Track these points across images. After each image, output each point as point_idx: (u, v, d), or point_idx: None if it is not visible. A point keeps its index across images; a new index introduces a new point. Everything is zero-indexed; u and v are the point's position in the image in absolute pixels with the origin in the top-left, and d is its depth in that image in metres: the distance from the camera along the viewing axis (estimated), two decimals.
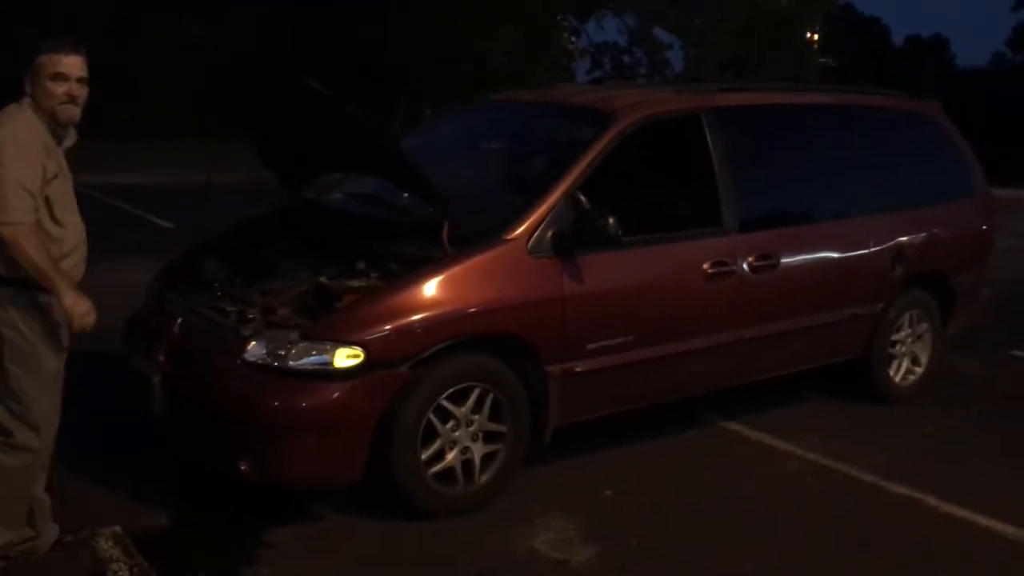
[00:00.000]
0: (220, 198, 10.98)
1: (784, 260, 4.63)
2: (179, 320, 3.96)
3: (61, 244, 3.19)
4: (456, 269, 3.77)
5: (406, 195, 4.43)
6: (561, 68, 20.89)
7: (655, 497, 4.12)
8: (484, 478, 3.88)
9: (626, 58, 20.93)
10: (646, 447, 4.61)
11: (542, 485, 4.13)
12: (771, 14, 20.89)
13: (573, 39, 21.32)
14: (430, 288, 3.70)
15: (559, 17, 20.37)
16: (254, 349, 3.61)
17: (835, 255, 4.92)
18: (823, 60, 22.44)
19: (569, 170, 4.07)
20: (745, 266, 4.48)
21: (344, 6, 20.80)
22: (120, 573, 3.30)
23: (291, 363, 3.54)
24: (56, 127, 3.19)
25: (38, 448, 3.22)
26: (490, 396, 3.84)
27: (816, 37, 23.68)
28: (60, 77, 3.13)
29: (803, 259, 4.76)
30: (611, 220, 3.87)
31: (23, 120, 3.12)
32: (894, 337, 5.27)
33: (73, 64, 3.17)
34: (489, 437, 3.88)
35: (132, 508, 3.77)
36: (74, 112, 3.21)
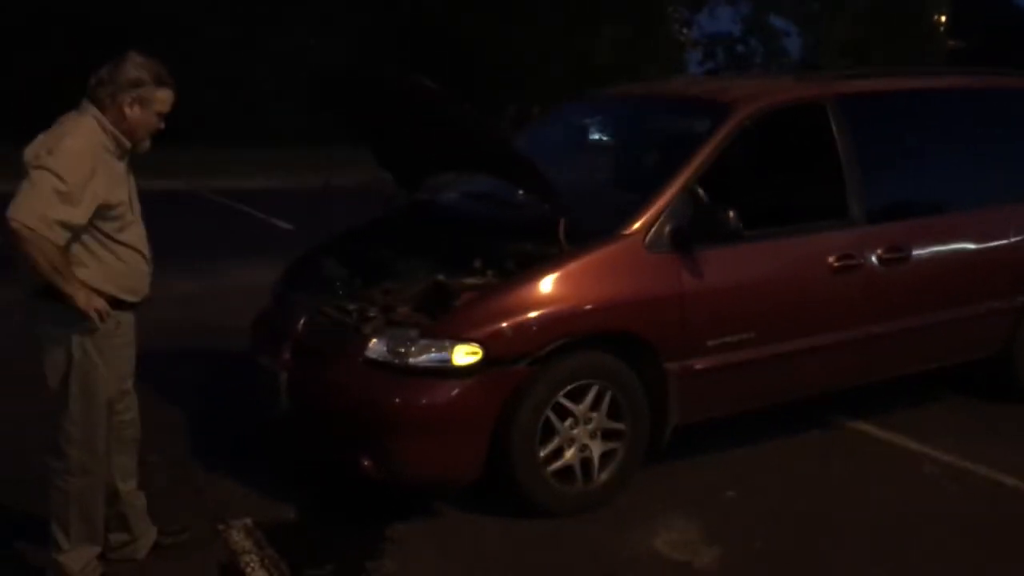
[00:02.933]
0: (338, 200, 11.33)
1: (916, 252, 4.42)
2: (303, 319, 4.06)
3: (125, 264, 3.08)
4: (573, 266, 3.74)
5: (521, 193, 4.43)
6: (671, 60, 20.59)
7: (780, 499, 4.00)
8: (603, 476, 3.84)
9: (740, 48, 20.47)
10: (769, 447, 4.48)
11: (662, 485, 4.06)
12: None
13: (684, 30, 21.00)
14: (547, 285, 3.68)
15: (669, 8, 20.11)
16: (375, 347, 3.67)
17: (971, 246, 4.67)
18: (952, 43, 21.41)
19: (687, 163, 3.98)
20: (874, 259, 4.30)
21: (447, 9, 21.07)
22: (251, 564, 3.40)
23: (411, 360, 3.58)
24: (125, 143, 3.06)
25: (96, 470, 3.16)
26: (608, 394, 3.80)
27: (943, 19, 22.63)
28: (163, 115, 3.10)
29: (936, 251, 4.54)
30: (731, 214, 3.77)
31: (89, 134, 2.98)
32: None
33: (172, 101, 3.13)
34: (608, 435, 3.84)
35: (262, 502, 3.88)
36: (149, 144, 3.16)
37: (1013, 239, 4.76)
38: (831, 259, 4.21)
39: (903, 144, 4.63)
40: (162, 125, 3.12)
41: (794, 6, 19.24)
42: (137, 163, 3.21)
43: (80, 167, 2.89)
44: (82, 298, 2.92)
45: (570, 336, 3.67)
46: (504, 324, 3.59)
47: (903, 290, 4.41)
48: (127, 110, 3.01)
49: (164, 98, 3.07)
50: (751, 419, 4.38)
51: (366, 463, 3.61)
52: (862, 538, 3.67)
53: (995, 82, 5.18)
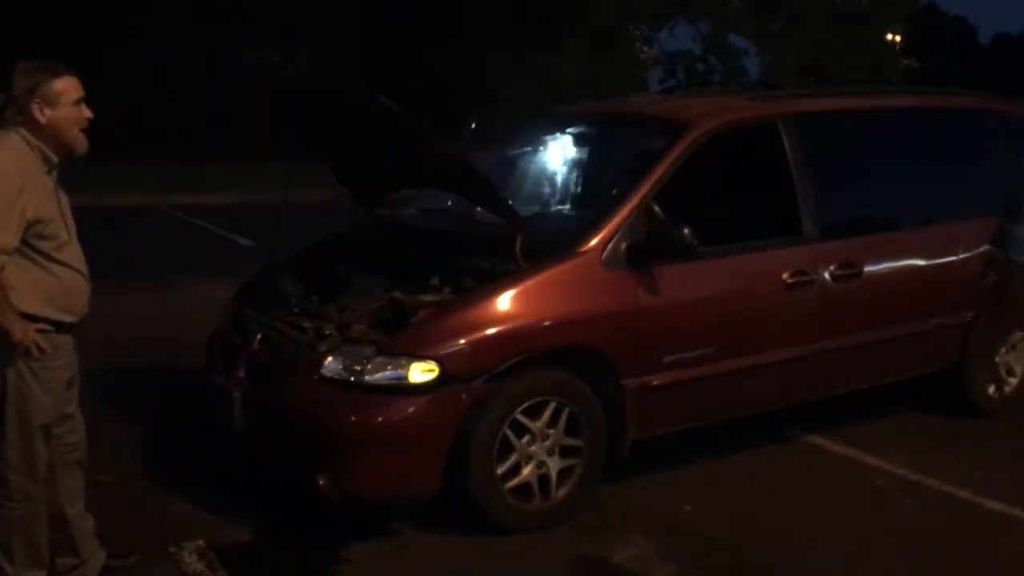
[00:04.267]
0: (297, 216, 11.18)
1: (867, 268, 4.48)
2: (258, 336, 4.02)
3: (62, 283, 2.98)
4: (530, 282, 3.75)
5: (479, 209, 4.43)
6: (633, 78, 20.79)
7: (737, 514, 4.02)
8: (561, 493, 3.84)
9: (700, 66, 20.72)
10: (726, 462, 4.51)
11: (620, 500, 4.07)
12: (850, 17, 20.45)
13: (645, 48, 21.22)
14: (504, 302, 3.68)
15: (630, 26, 20.31)
16: (331, 364, 3.64)
17: (921, 262, 4.74)
18: (906, 62, 21.85)
19: (643, 181, 4.01)
20: (827, 275, 4.35)
21: (409, 23, 21.08)
22: None
23: (367, 378, 3.56)
24: (52, 158, 2.96)
25: (37, 495, 3.08)
26: (566, 410, 3.81)
27: (898, 39, 23.06)
28: (82, 100, 2.97)
29: (887, 267, 4.60)
30: (686, 230, 3.80)
31: (13, 151, 2.88)
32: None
33: (79, 85, 2.97)
34: (565, 452, 3.85)
35: (215, 523, 3.83)
36: (85, 141, 3.02)
37: (962, 255, 4.85)
38: (785, 275, 4.26)
39: (855, 162, 4.70)
40: (88, 113, 3.00)
41: (753, 26, 19.53)
42: (93, 179, 3.16)
43: (7, 186, 2.81)
44: (18, 332, 2.85)
45: (527, 353, 3.68)
46: (461, 341, 3.58)
47: (855, 305, 4.47)
48: (39, 117, 2.91)
49: (66, 87, 2.94)
50: (707, 433, 4.40)
51: (322, 482, 3.57)
52: (819, 552, 3.70)
53: (945, 101, 5.28)
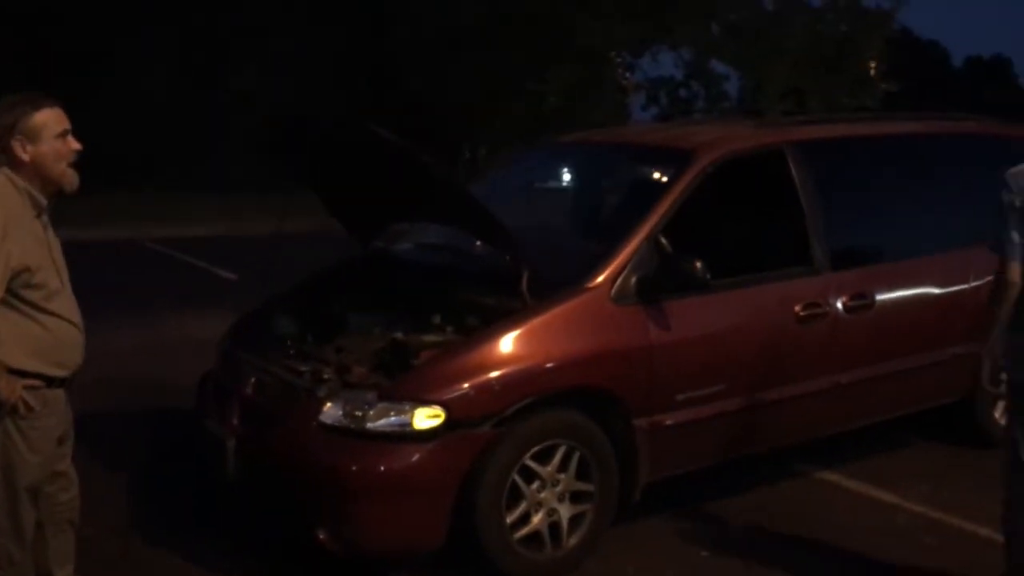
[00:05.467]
0: (283, 248, 11.05)
1: (880, 298, 4.36)
2: (252, 380, 3.85)
3: (53, 335, 2.79)
4: (537, 321, 3.60)
5: (479, 243, 4.28)
6: (615, 105, 20.77)
7: (754, 558, 3.85)
8: (572, 541, 3.66)
9: (682, 92, 20.75)
10: (739, 501, 4.34)
11: (633, 545, 3.90)
12: (829, 42, 20.56)
13: (628, 75, 21.24)
14: (511, 342, 3.52)
15: (613, 53, 20.32)
16: (330, 411, 3.47)
17: (933, 291, 4.62)
18: (885, 86, 21.96)
19: (651, 212, 3.88)
20: (839, 306, 4.22)
21: (393, 49, 21.02)
22: None
23: (369, 425, 3.39)
24: (40, 200, 2.78)
25: (23, 560, 2.91)
26: (576, 454, 3.64)
27: (873, 65, 23.22)
28: (67, 133, 2.78)
29: (900, 296, 4.48)
30: (698, 264, 3.66)
31: (1, 192, 2.70)
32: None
33: (63, 116, 2.79)
34: (576, 497, 3.67)
35: None
36: (75, 176, 2.83)
37: (973, 283, 4.72)
38: (797, 308, 4.12)
39: (864, 190, 4.59)
40: (75, 145, 2.80)
41: (734, 51, 19.57)
42: (73, 212, 2.96)
43: None
44: (3, 389, 2.66)
45: (536, 395, 3.51)
46: (467, 384, 3.41)
47: (869, 337, 4.34)
48: (22, 154, 2.72)
49: (48, 119, 2.75)
50: (718, 470, 4.24)
51: (321, 534, 3.39)
52: None
53: (951, 127, 5.20)
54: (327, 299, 4.39)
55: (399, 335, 3.74)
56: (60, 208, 2.94)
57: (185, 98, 20.37)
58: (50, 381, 2.80)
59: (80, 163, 2.88)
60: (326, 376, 3.63)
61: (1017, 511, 3.30)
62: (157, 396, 5.74)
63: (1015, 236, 3.16)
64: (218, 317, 6.33)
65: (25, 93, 2.80)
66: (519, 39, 19.99)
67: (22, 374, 2.72)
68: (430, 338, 3.74)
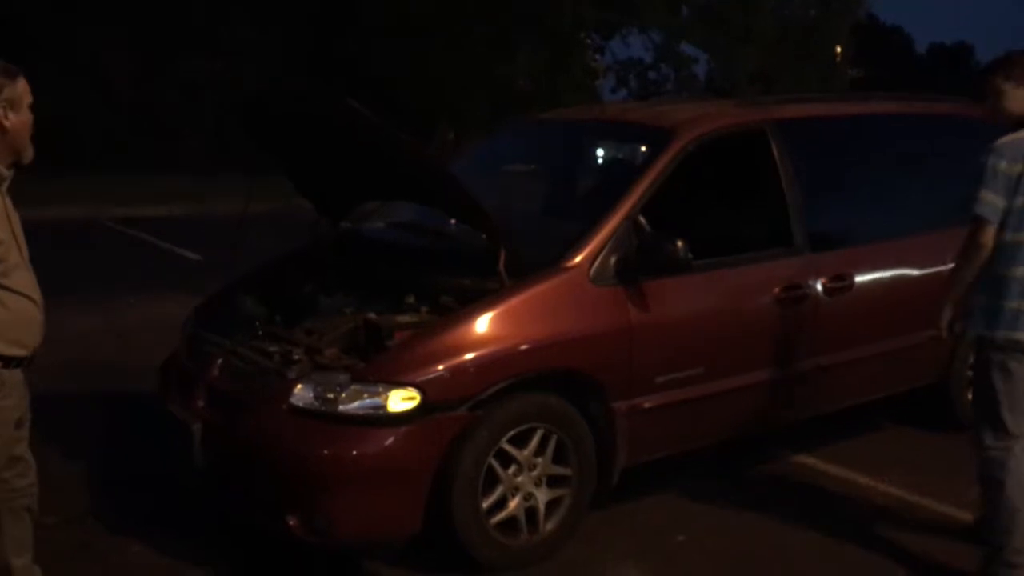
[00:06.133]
0: (249, 228, 10.73)
1: (860, 280, 4.31)
2: (218, 362, 3.71)
3: (11, 312, 2.66)
4: (515, 301, 3.50)
5: (453, 222, 4.17)
6: (585, 87, 20.68)
7: (733, 542, 3.80)
8: (549, 526, 3.58)
9: (652, 74, 20.74)
10: (716, 486, 4.29)
11: (610, 530, 3.83)
12: (798, 27, 20.62)
13: (597, 57, 21.16)
14: (488, 323, 3.42)
15: (582, 35, 20.21)
16: (301, 393, 3.35)
17: (912, 273, 4.58)
18: (852, 71, 22.13)
19: (630, 191, 3.79)
20: (819, 288, 4.17)
21: (361, 33, 20.71)
22: None
23: (341, 408, 3.27)
24: (3, 172, 2.68)
25: None
26: (554, 437, 3.55)
27: (839, 50, 23.35)
28: (31, 106, 2.71)
29: (879, 278, 4.44)
30: (679, 244, 3.58)
31: None
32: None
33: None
34: (553, 481, 3.59)
35: (172, 568, 3.51)
36: (32, 149, 2.74)
37: (951, 265, 4.69)
38: (777, 289, 4.07)
39: (843, 170, 4.54)
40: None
41: (704, 34, 19.55)
42: (32, 191, 2.82)
43: None
44: None
45: (514, 377, 3.42)
46: (443, 366, 3.31)
47: (849, 319, 4.29)
48: (6, 123, 2.63)
49: (26, 89, 2.69)
50: (694, 454, 4.18)
51: (292, 522, 3.28)
52: None
53: (932, 108, 5.16)
54: (296, 280, 4.25)
55: (372, 315, 3.62)
56: (16, 187, 2.80)
57: (146, 79, 19.96)
58: (7, 361, 2.66)
59: (32, 140, 2.78)
60: (296, 357, 3.51)
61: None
62: (118, 379, 5.57)
63: (998, 201, 3.18)
64: (182, 298, 6.15)
65: None
66: (486, 22, 19.81)
67: None
68: (404, 318, 3.63)
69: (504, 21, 19.64)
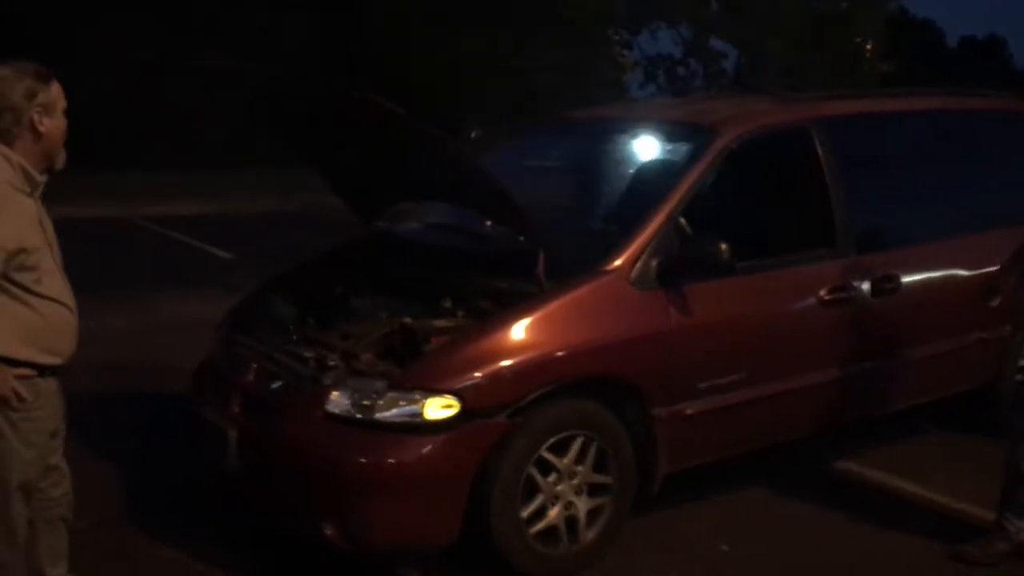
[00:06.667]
0: (279, 226, 10.75)
1: (907, 282, 4.19)
2: (253, 366, 3.66)
3: (45, 320, 2.62)
4: (554, 305, 3.42)
5: (489, 223, 4.09)
6: (612, 82, 20.52)
7: (777, 551, 3.71)
8: (590, 535, 3.50)
9: (681, 70, 20.52)
10: (757, 492, 4.19)
11: (652, 539, 3.75)
12: (828, 20, 20.33)
13: (625, 52, 20.96)
14: (527, 328, 3.34)
15: (610, 30, 20.04)
16: (337, 399, 3.28)
17: (960, 274, 4.45)
18: (884, 65, 21.78)
19: (672, 191, 3.70)
20: (865, 290, 4.06)
21: (380, 26, 20.64)
22: None
23: (377, 415, 3.21)
24: (36, 177, 2.65)
25: (14, 562, 2.74)
26: (594, 445, 3.47)
27: (869, 46, 23.04)
28: (66, 111, 2.69)
29: (927, 280, 4.31)
30: (723, 246, 3.48)
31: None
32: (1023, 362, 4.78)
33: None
34: (594, 490, 3.51)
35: (206, 573, 3.47)
36: (64, 154, 2.72)
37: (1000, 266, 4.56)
38: (822, 291, 3.96)
39: (890, 168, 4.41)
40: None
41: (732, 29, 19.33)
42: (62, 190, 2.77)
43: None
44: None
45: (554, 383, 3.34)
46: (481, 372, 3.24)
47: (896, 322, 4.18)
48: (40, 127, 2.59)
49: (59, 93, 2.66)
50: (735, 461, 4.08)
51: (328, 530, 3.22)
52: None
53: (978, 104, 5.02)
54: (329, 281, 4.19)
55: (408, 320, 3.56)
56: (46, 186, 2.76)
57: (165, 74, 20.01)
58: (42, 370, 2.61)
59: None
60: (332, 363, 3.44)
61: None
62: (151, 379, 5.55)
63: None
64: (214, 297, 6.14)
65: (23, 62, 2.63)
66: (507, 15, 19.67)
67: (13, 363, 2.53)
68: (441, 323, 3.56)
69: (527, 15, 19.51)
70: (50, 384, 2.67)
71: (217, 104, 19.68)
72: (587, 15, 19.32)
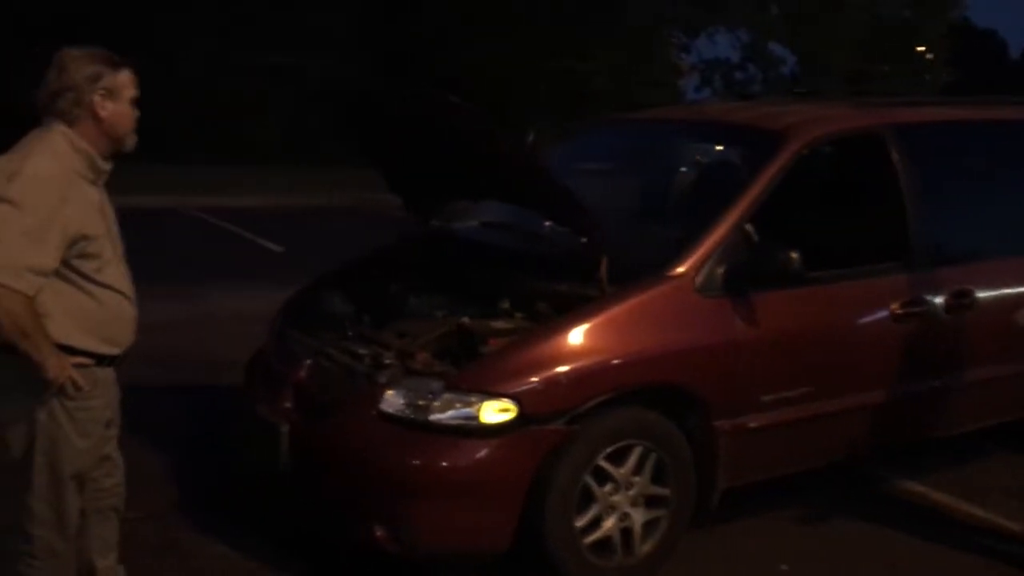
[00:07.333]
0: (328, 222, 10.72)
1: (981, 297, 4.02)
2: (307, 363, 3.61)
3: (105, 309, 2.60)
4: (616, 310, 3.32)
5: (547, 224, 4.01)
6: (667, 85, 20.32)
7: (838, 573, 3.57)
8: (645, 548, 3.40)
9: (738, 75, 20.26)
10: (816, 511, 4.03)
11: (709, 554, 3.63)
12: (893, 28, 19.94)
13: (682, 55, 20.77)
14: (589, 332, 3.25)
15: (666, 33, 19.85)
16: (391, 399, 3.22)
17: None
18: (946, 75, 21.32)
19: (740, 197, 3.58)
20: (939, 305, 3.90)
21: (435, 28, 20.65)
22: None
23: (432, 417, 3.14)
24: (100, 165, 2.62)
25: (65, 552, 2.70)
26: (652, 456, 3.36)
27: (930, 56, 22.60)
28: (136, 101, 2.65)
29: (1003, 296, 4.14)
30: (794, 255, 3.36)
31: (55, 154, 2.49)
32: None
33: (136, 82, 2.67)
34: (651, 502, 3.40)
35: (256, 571, 3.42)
36: (135, 138, 2.69)
37: None
38: (894, 306, 3.81)
39: (968, 179, 4.25)
40: (137, 112, 2.66)
41: (792, 34, 19.03)
42: (114, 180, 2.74)
43: (48, 195, 2.41)
44: (53, 367, 2.44)
45: (614, 391, 3.24)
46: (541, 377, 3.15)
47: (968, 340, 4.01)
48: (100, 110, 2.55)
49: (128, 80, 2.62)
50: (797, 477, 3.94)
51: (379, 532, 3.15)
52: None
53: None
54: (384, 279, 4.13)
55: (466, 320, 3.48)
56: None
57: (224, 71, 20.21)
58: (100, 359, 2.58)
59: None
60: (387, 361, 3.38)
61: None
62: (202, 371, 5.55)
63: None
64: (266, 290, 6.11)
65: (98, 48, 2.62)
66: (562, 16, 19.55)
67: (71, 351, 2.50)
68: (499, 324, 3.48)
69: (581, 16, 19.38)
70: (107, 374, 2.64)
71: (271, 100, 19.88)
72: (644, 17, 19.16)
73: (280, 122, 19.88)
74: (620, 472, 3.31)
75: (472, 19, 20.07)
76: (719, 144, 4.25)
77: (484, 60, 19.94)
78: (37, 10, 18.62)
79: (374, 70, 18.68)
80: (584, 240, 3.51)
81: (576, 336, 3.24)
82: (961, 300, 3.95)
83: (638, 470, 3.35)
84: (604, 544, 3.32)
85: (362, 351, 3.51)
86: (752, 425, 3.52)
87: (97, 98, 2.54)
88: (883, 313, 3.79)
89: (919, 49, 22.22)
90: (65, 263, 2.47)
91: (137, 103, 2.66)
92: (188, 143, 18.61)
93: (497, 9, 19.91)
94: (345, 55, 19.66)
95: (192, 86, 19.41)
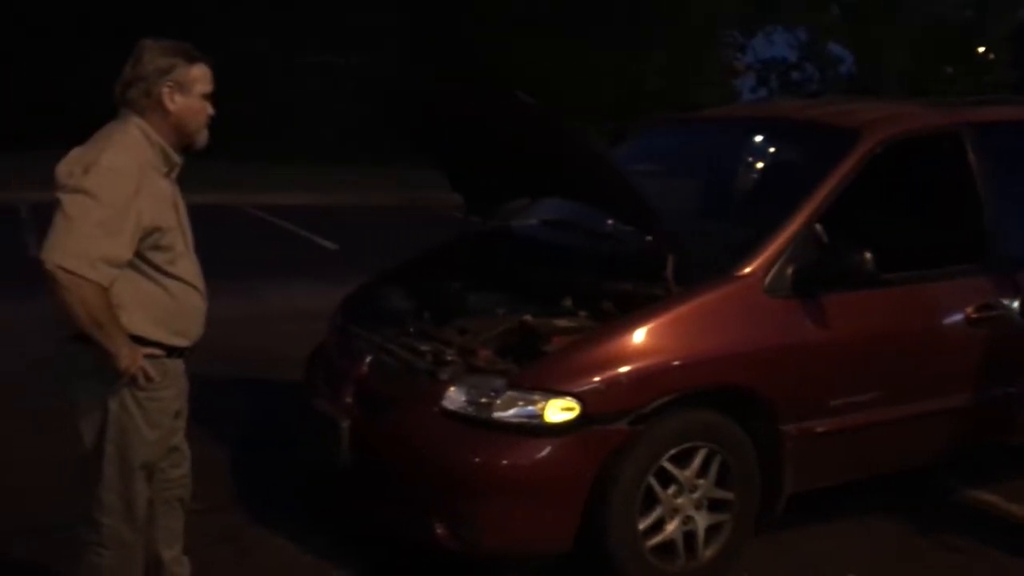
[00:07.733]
0: (382, 220, 10.75)
1: None
2: (368, 359, 3.60)
3: (177, 301, 2.60)
4: (682, 310, 3.26)
5: (610, 222, 3.96)
6: (722, 85, 20.11)
7: None
8: (708, 553, 3.33)
9: (795, 74, 19.96)
10: (887, 519, 3.93)
11: (774, 560, 3.55)
12: (953, 28, 19.50)
13: (738, 55, 20.53)
14: (654, 332, 3.19)
15: (723, 32, 19.64)
16: (453, 395, 3.20)
17: None
18: (1010, 75, 20.78)
19: (811, 196, 3.49)
20: (1015, 309, 3.77)
21: (490, 33, 20.66)
22: None
23: (495, 415, 3.11)
24: (173, 157, 2.63)
25: (134, 542, 2.70)
26: (717, 458, 3.30)
27: (992, 56, 22.07)
28: (209, 96, 2.64)
29: None
30: (867, 256, 3.27)
31: (130, 146, 2.50)
32: None
33: (211, 78, 2.65)
34: (715, 505, 3.33)
35: (315, 568, 3.43)
36: (207, 135, 2.69)
37: None
38: (969, 309, 3.69)
39: None
40: (212, 110, 2.66)
41: (850, 32, 18.70)
42: (180, 176, 2.75)
43: (123, 186, 2.42)
44: (125, 358, 2.45)
45: (679, 392, 3.18)
46: (605, 376, 3.10)
47: None
48: (168, 103, 2.54)
49: (202, 75, 2.61)
50: (865, 483, 3.84)
51: (439, 530, 3.13)
52: None
53: None
54: (444, 276, 4.12)
55: (528, 317, 3.45)
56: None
57: (278, 70, 20.46)
58: (170, 351, 2.60)
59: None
60: (449, 358, 3.36)
61: None
62: (262, 366, 5.59)
63: None
64: (320, 286, 6.15)
65: (176, 41, 2.62)
66: (618, 16, 19.43)
67: (143, 342, 2.51)
68: (562, 323, 3.44)
69: (636, 15, 19.24)
70: (177, 365, 2.65)
71: (327, 100, 20.09)
72: (700, 16, 18.98)
73: (335, 121, 20.10)
74: (684, 474, 3.25)
75: (527, 19, 20.06)
76: (790, 142, 4.16)
77: (539, 59, 19.90)
78: (100, 13, 19.04)
79: (428, 70, 18.77)
80: (650, 238, 3.46)
81: (641, 336, 3.19)
82: None
83: (702, 473, 3.28)
84: (666, 547, 3.27)
85: (424, 347, 3.49)
86: (819, 429, 3.43)
87: (166, 90, 2.54)
88: (957, 317, 3.67)
89: (980, 50, 21.72)
90: (138, 255, 2.48)
91: (212, 99, 2.65)
92: (244, 142, 18.89)
93: (552, 9, 19.86)
94: (400, 55, 19.79)
95: (244, 83, 19.72)
